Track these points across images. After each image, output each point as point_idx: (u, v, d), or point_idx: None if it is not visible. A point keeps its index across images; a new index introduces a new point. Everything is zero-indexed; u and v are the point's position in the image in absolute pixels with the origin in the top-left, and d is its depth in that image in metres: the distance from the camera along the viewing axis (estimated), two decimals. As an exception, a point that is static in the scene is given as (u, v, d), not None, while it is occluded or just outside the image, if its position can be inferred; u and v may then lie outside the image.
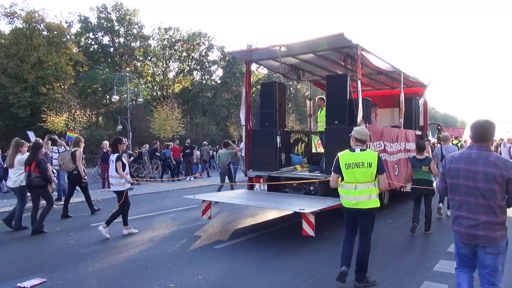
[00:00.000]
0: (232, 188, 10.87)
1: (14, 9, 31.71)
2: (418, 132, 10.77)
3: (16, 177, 7.34)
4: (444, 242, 6.20)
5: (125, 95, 29.61)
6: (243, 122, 9.06)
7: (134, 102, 34.63)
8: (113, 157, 6.90)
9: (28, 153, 7.52)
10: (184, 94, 45.19)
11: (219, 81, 46.75)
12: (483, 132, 3.05)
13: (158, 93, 45.39)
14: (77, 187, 9.16)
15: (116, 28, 41.46)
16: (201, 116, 42.70)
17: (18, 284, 4.50)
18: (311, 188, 7.85)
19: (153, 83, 45.93)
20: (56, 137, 11.73)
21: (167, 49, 45.20)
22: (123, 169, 6.81)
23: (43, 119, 27.23)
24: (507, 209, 3.02)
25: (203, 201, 7.51)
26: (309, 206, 6.31)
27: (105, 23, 40.61)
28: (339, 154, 4.40)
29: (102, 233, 6.70)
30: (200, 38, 45.65)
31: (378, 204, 4.30)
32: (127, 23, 41.59)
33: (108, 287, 4.51)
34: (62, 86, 33.96)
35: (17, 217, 7.40)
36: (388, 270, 4.94)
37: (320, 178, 7.53)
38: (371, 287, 4.35)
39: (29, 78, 30.31)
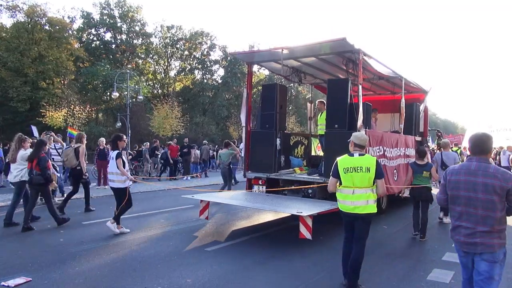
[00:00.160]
0: (229, 189, 10.89)
1: (16, 3, 31.70)
2: (418, 138, 10.78)
3: (17, 172, 7.39)
4: (439, 250, 6.14)
5: (125, 92, 29.55)
6: (243, 123, 9.06)
7: (134, 100, 34.58)
8: (113, 154, 6.88)
9: (30, 149, 7.58)
10: (185, 93, 45.19)
11: (220, 81, 46.76)
12: (481, 145, 3.15)
13: (159, 91, 45.39)
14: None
15: (119, 24, 41.46)
16: (201, 116, 42.70)
17: (2, 283, 4.41)
18: (310, 191, 7.85)
19: (154, 81, 45.92)
20: (52, 133, 11.72)
21: (169, 47, 45.21)
22: (124, 166, 6.79)
23: (42, 114, 27.18)
24: (507, 219, 3.09)
25: (201, 201, 7.50)
26: (307, 209, 6.32)
27: (108, 20, 40.60)
28: (338, 159, 4.42)
29: (121, 231, 6.88)
30: (202, 37, 45.66)
31: (375, 210, 4.31)
32: (129, 20, 41.59)
33: (93, 288, 4.44)
34: (62, 82, 33.90)
35: (9, 212, 7.38)
36: (381, 277, 4.89)
37: (318, 181, 7.53)
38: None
39: (29, 73, 30.25)
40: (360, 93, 7.31)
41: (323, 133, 8.40)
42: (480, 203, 2.99)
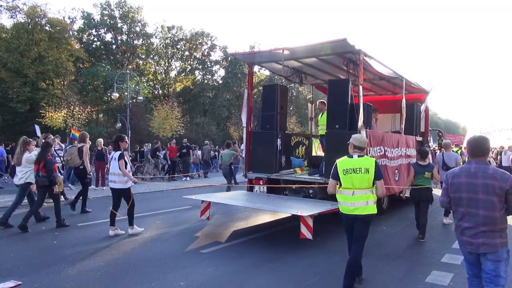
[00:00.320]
0: (228, 189, 10.92)
1: (16, 3, 31.66)
2: (419, 138, 10.80)
3: (22, 174, 7.46)
4: (438, 252, 6.08)
5: (126, 93, 29.57)
6: (244, 124, 9.08)
7: (134, 100, 34.60)
8: (115, 154, 6.88)
9: (35, 151, 7.68)
10: (185, 94, 45.22)
11: (220, 81, 46.79)
12: (479, 148, 3.31)
13: (160, 91, 45.41)
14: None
15: (119, 25, 41.49)
16: (201, 116, 42.71)
17: None
18: (310, 191, 7.86)
19: (155, 82, 45.96)
20: (50, 135, 11.76)
21: (170, 47, 45.25)
22: (125, 167, 6.80)
23: (42, 114, 27.15)
24: (507, 218, 3.22)
25: (202, 201, 7.51)
26: (307, 209, 6.34)
27: (108, 20, 40.63)
28: (337, 160, 4.46)
29: (135, 232, 6.97)
30: (202, 37, 45.70)
31: (375, 211, 4.33)
32: (130, 20, 41.62)
33: (83, 291, 4.38)
34: (62, 82, 33.90)
35: (6, 213, 7.41)
36: (378, 279, 4.82)
37: (319, 182, 7.55)
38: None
39: (29, 73, 30.23)
40: (361, 94, 7.32)
41: (324, 134, 8.43)
42: (481, 204, 3.13)
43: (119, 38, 42.18)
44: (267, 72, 41.71)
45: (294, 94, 48.03)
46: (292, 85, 32.61)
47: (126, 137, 7.32)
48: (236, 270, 5.15)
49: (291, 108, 42.88)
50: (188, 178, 17.39)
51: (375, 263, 5.35)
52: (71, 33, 36.80)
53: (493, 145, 18.03)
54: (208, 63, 47.41)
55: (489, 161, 3.73)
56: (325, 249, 6.22)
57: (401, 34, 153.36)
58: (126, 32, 42.29)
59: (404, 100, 9.66)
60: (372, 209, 4.30)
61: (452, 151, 9.22)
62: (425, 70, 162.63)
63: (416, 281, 4.80)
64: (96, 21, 40.56)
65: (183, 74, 46.67)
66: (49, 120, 27.02)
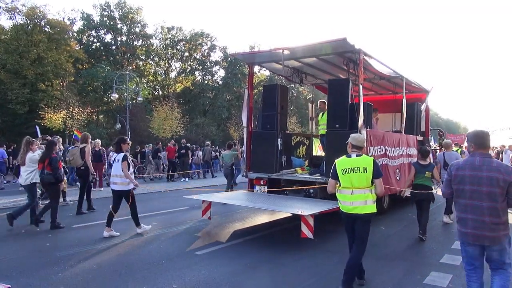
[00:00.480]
0: (227, 189, 10.93)
1: (15, 4, 31.64)
2: (420, 138, 10.80)
3: (27, 174, 7.51)
4: (437, 252, 6.01)
5: (125, 94, 29.57)
6: (245, 124, 9.08)
7: (134, 101, 34.61)
8: (118, 156, 6.88)
9: (38, 150, 7.76)
10: (185, 94, 45.23)
11: (220, 82, 46.80)
12: (483, 140, 3.41)
13: (160, 92, 45.43)
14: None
15: (119, 26, 41.51)
16: (201, 117, 42.72)
17: None
18: (311, 190, 7.87)
19: (155, 83, 45.98)
20: (48, 137, 11.79)
21: (169, 48, 45.28)
22: (128, 169, 6.79)
23: (41, 116, 27.14)
24: (508, 210, 3.36)
25: (203, 201, 7.53)
26: (308, 208, 6.34)
27: (108, 21, 40.66)
28: (336, 160, 4.50)
29: (144, 231, 7.02)
30: (202, 38, 45.72)
31: (374, 210, 4.36)
32: (129, 21, 41.64)
33: (74, 295, 4.31)
34: (61, 83, 33.88)
35: (18, 210, 7.52)
36: (376, 281, 4.74)
37: (320, 181, 7.55)
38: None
39: (28, 74, 30.20)
40: (361, 93, 7.33)
41: (324, 133, 8.44)
42: (484, 196, 3.24)
43: (118, 39, 42.20)
44: (267, 73, 41.76)
45: (295, 94, 48.06)
46: (293, 85, 32.64)
47: (128, 139, 7.32)
48: (231, 272, 5.06)
49: (291, 108, 42.91)
50: (187, 179, 17.31)
51: (374, 264, 5.26)
52: (70, 34, 36.79)
53: (494, 144, 18.04)
54: (208, 64, 47.43)
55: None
56: (324, 249, 6.15)
57: (402, 33, 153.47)
58: (126, 33, 42.31)
59: (404, 100, 9.66)
60: (371, 208, 4.32)
61: (453, 150, 9.23)
62: (425, 70, 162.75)
63: (414, 282, 4.73)
64: (95, 22, 40.60)
65: (183, 74, 46.69)
66: (48, 121, 27.01)
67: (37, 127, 15.65)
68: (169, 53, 45.61)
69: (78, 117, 29.49)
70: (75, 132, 16.11)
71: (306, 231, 5.92)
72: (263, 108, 8.90)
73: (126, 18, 41.32)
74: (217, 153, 21.71)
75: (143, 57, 43.54)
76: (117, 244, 6.39)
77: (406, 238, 7.01)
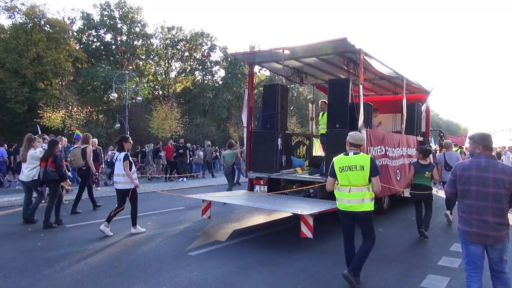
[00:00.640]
0: (230, 189, 10.93)
1: (15, 3, 31.61)
2: (420, 138, 10.79)
3: (29, 171, 7.59)
4: (435, 254, 5.91)
5: (125, 93, 29.54)
6: (245, 124, 9.08)
7: (134, 101, 34.59)
8: (120, 155, 6.87)
9: (40, 148, 7.85)
10: (185, 94, 45.24)
11: (220, 82, 46.81)
12: (489, 143, 3.52)
13: (160, 92, 45.43)
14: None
15: (119, 25, 41.53)
16: (201, 117, 42.71)
17: None
18: (311, 190, 7.87)
19: (155, 82, 45.99)
20: (46, 136, 11.80)
21: (170, 48, 45.29)
22: (130, 168, 6.78)
23: (40, 115, 27.11)
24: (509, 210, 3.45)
25: (203, 200, 7.53)
26: (308, 208, 6.34)
27: (108, 21, 40.67)
28: (334, 158, 4.55)
29: (138, 231, 6.92)
30: (202, 38, 45.76)
31: (371, 208, 4.40)
32: (129, 21, 41.65)
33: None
34: (61, 83, 33.85)
35: (32, 207, 7.63)
36: (372, 283, 4.66)
37: (320, 181, 7.55)
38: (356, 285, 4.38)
39: (28, 74, 30.18)
40: (361, 93, 7.33)
41: (324, 132, 8.44)
42: (490, 197, 3.32)
43: (118, 38, 42.21)
44: (267, 73, 41.77)
45: (295, 94, 48.09)
46: (293, 85, 32.62)
47: (130, 138, 7.31)
48: (225, 273, 4.94)
49: (291, 109, 42.93)
50: (185, 179, 17.24)
51: (370, 266, 5.02)
52: (70, 33, 36.78)
53: (494, 145, 18.01)
54: (208, 64, 47.45)
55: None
56: (319, 251, 6.05)
57: (402, 34, 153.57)
58: (126, 33, 42.32)
59: (404, 100, 9.66)
60: (368, 206, 4.36)
61: (452, 150, 9.22)
62: (426, 71, 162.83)
63: (411, 285, 4.64)
64: (95, 21, 40.60)
65: (183, 74, 46.71)
66: (47, 120, 26.98)
67: (38, 126, 15.67)
68: (169, 53, 45.62)
69: (77, 116, 29.45)
70: (76, 131, 16.11)
71: (306, 231, 5.92)
72: (263, 108, 8.89)
73: (126, 17, 41.33)
74: (217, 153, 21.68)
75: (143, 57, 43.56)
76: (110, 244, 6.29)
77: (404, 239, 6.92)
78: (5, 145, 15.45)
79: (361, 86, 7.39)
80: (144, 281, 4.65)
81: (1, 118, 29.80)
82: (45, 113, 27.24)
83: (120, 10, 41.24)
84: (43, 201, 8.26)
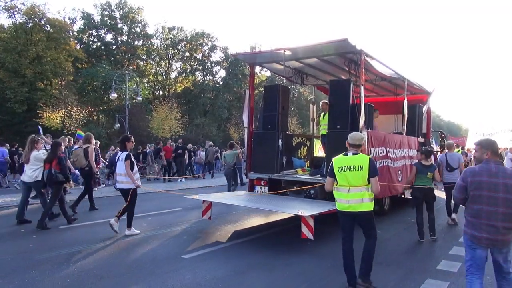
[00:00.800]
0: (234, 189, 10.93)
1: (15, 3, 31.64)
2: (421, 139, 10.78)
3: (32, 172, 7.56)
4: (434, 258, 5.80)
5: (125, 93, 29.54)
6: (245, 124, 9.06)
7: (134, 101, 34.58)
8: (122, 155, 6.86)
9: (43, 149, 7.86)
10: (185, 94, 45.25)
11: (221, 82, 46.82)
12: (497, 148, 3.64)
13: (160, 92, 45.43)
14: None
15: (119, 26, 41.55)
16: (201, 117, 42.70)
17: None
18: (312, 191, 7.84)
19: (155, 83, 45.99)
20: (42, 136, 11.80)
21: (170, 48, 45.30)
22: (132, 168, 6.76)
23: (39, 115, 27.08)
24: None
25: (204, 201, 7.50)
26: (308, 209, 6.31)
27: (109, 21, 40.69)
28: (334, 158, 4.55)
29: (132, 233, 6.82)
30: (203, 38, 45.78)
31: (370, 208, 4.39)
32: (130, 21, 41.68)
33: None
34: (60, 82, 33.85)
35: (43, 215, 7.44)
36: None
37: (320, 182, 7.52)
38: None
39: (27, 73, 30.17)
40: (362, 94, 7.31)
41: (325, 133, 8.43)
42: (500, 202, 3.38)
43: (119, 38, 42.23)
44: (268, 73, 41.78)
45: (295, 95, 48.06)
46: (293, 86, 32.55)
47: (133, 138, 7.28)
48: (217, 277, 4.80)
49: (292, 109, 42.92)
50: (183, 179, 17.18)
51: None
52: (71, 33, 36.78)
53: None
54: (209, 64, 47.47)
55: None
56: (315, 254, 5.93)
57: (403, 34, 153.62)
58: (127, 33, 42.34)
59: (406, 101, 9.65)
60: (368, 206, 4.35)
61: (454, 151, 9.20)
62: (427, 71, 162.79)
63: None
64: (96, 21, 40.63)
65: (184, 75, 46.72)
66: (46, 120, 26.96)
67: (39, 127, 15.68)
68: (170, 53, 45.65)
69: (77, 116, 29.42)
70: (78, 131, 16.12)
71: (306, 232, 5.90)
72: (264, 109, 8.87)
73: (127, 18, 41.36)
74: (218, 154, 21.66)
75: (144, 57, 43.57)
76: (103, 246, 6.15)
77: (404, 242, 6.79)
78: (7, 145, 15.41)
79: (362, 87, 7.38)
80: (135, 285, 4.56)
81: (0, 118, 29.82)
82: (44, 113, 27.24)
83: (121, 10, 41.28)
84: (38, 202, 8.24)
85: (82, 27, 40.31)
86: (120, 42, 42.20)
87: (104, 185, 14.19)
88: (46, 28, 32.70)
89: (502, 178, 3.41)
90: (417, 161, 7.43)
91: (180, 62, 47.36)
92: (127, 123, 28.04)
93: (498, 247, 3.45)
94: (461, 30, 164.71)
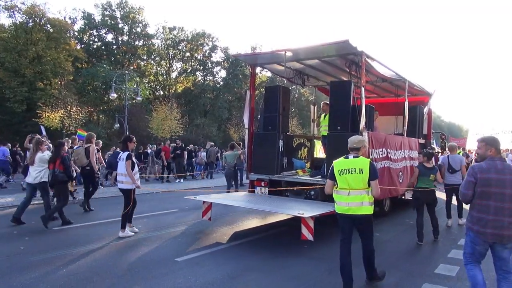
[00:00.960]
0: (236, 190, 10.93)
1: (15, 3, 31.63)
2: (422, 141, 10.77)
3: (37, 173, 7.63)
4: (432, 261, 5.69)
5: (125, 93, 29.51)
6: (246, 125, 9.05)
7: (134, 101, 34.56)
8: (123, 155, 6.87)
9: (47, 151, 7.98)
10: (186, 95, 45.25)
11: (221, 82, 46.82)
12: (500, 146, 3.74)
13: (161, 92, 45.43)
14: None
15: (120, 26, 41.57)
16: (201, 117, 42.68)
17: None
18: (312, 192, 7.83)
19: (156, 83, 45.99)
20: (38, 136, 11.81)
21: (171, 48, 45.30)
22: (132, 169, 6.76)
23: (39, 114, 27.05)
24: None
25: (204, 202, 7.48)
26: (308, 210, 6.30)
27: (109, 21, 40.71)
28: (334, 161, 4.56)
29: (126, 235, 6.77)
30: (204, 38, 45.80)
31: (370, 211, 4.40)
32: (131, 21, 41.70)
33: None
34: (60, 82, 33.82)
35: (45, 214, 7.53)
36: None
37: (320, 183, 7.51)
38: (383, 279, 4.64)
39: (27, 73, 30.15)
40: (363, 95, 7.30)
41: (326, 134, 8.42)
42: (507, 198, 3.49)
43: (120, 38, 42.24)
44: (269, 74, 41.79)
45: (296, 96, 48.06)
46: (294, 87, 32.49)
47: (134, 138, 7.28)
48: (210, 281, 4.69)
49: (292, 110, 42.91)
50: (182, 180, 17.12)
51: (363, 274, 4.74)
52: (71, 33, 36.77)
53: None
54: (209, 64, 47.48)
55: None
56: (311, 257, 5.83)
57: (404, 36, 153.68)
58: (127, 33, 42.36)
59: (406, 103, 9.63)
60: (367, 210, 4.36)
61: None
62: (428, 72, 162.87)
63: None
64: (97, 21, 40.64)
65: (184, 75, 46.73)
66: (45, 120, 26.93)
67: (42, 126, 15.75)
68: (171, 53, 45.66)
69: (76, 116, 29.37)
70: (78, 131, 16.15)
71: (306, 233, 5.88)
72: (264, 110, 8.86)
73: (128, 18, 41.37)
74: (218, 155, 21.66)
75: (145, 57, 43.58)
76: (95, 249, 6.04)
77: (402, 245, 6.70)
78: (9, 144, 15.43)
79: (363, 88, 7.37)
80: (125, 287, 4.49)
81: (0, 118, 29.82)
82: (44, 112, 27.19)
83: (122, 10, 41.30)
84: (33, 203, 8.24)
85: (83, 27, 40.34)
86: (120, 42, 42.21)
87: (102, 186, 14.17)
88: (46, 27, 32.68)
89: (509, 174, 3.51)
90: (418, 163, 7.42)
91: (181, 62, 47.40)
92: (126, 123, 28.00)
93: (504, 243, 3.51)
94: (462, 30, 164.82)
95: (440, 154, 12.78)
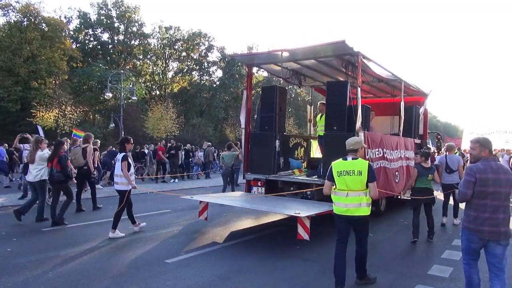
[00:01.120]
0: (232, 190, 10.91)
1: (9, 1, 31.36)
2: (418, 141, 10.81)
3: (36, 172, 7.68)
4: (426, 262, 5.64)
5: (120, 93, 29.40)
6: (243, 125, 9.04)
7: (129, 101, 34.44)
8: (119, 156, 6.86)
9: (47, 149, 8.04)
10: (182, 94, 45.17)
11: (217, 82, 46.77)
12: (492, 147, 3.86)
13: (157, 92, 45.31)
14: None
15: (116, 25, 41.41)
16: (198, 117, 42.61)
17: None
18: (308, 192, 7.84)
19: (152, 82, 45.87)
20: (28, 135, 11.75)
21: (167, 48, 45.19)
22: (128, 169, 6.73)
23: (33, 114, 26.87)
24: None
25: (200, 202, 7.47)
26: (305, 210, 6.29)
27: (105, 20, 40.54)
28: (333, 163, 4.58)
29: (116, 236, 6.70)
30: (200, 38, 45.73)
31: (368, 213, 4.44)
32: (127, 20, 41.56)
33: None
34: (55, 81, 33.63)
35: (39, 209, 7.74)
36: None
37: (317, 183, 7.52)
38: (372, 285, 4.53)
39: (21, 72, 29.94)
40: (359, 95, 7.32)
41: (322, 134, 8.43)
42: (503, 196, 3.64)
43: (115, 38, 42.08)
44: (265, 74, 41.80)
45: (293, 96, 48.13)
46: (291, 87, 32.57)
47: (132, 139, 7.25)
48: (199, 283, 4.61)
49: (289, 110, 42.93)
50: (176, 180, 17.04)
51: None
52: (66, 32, 36.57)
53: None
54: (205, 64, 47.43)
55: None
56: (303, 258, 5.75)
57: (400, 36, 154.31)
58: (123, 32, 42.21)
59: (402, 103, 9.67)
60: (365, 211, 4.41)
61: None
62: (424, 73, 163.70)
63: None
64: (92, 20, 40.47)
65: (180, 74, 46.63)
66: (40, 119, 26.75)
67: (39, 127, 15.69)
68: (167, 52, 45.56)
69: (71, 115, 29.19)
70: (74, 131, 16.07)
71: (302, 233, 5.87)
72: (261, 110, 8.86)
73: (124, 17, 41.23)
74: (215, 155, 21.64)
75: (141, 57, 43.45)
76: (84, 250, 5.90)
77: (395, 245, 6.64)
78: (6, 144, 15.32)
79: (359, 89, 7.40)
80: (114, 290, 4.39)
81: (-6, 117, 29.65)
82: (38, 112, 27.01)
83: (118, 10, 41.15)
84: (36, 202, 8.14)
85: (78, 26, 40.15)
86: (116, 41, 42.05)
87: (101, 186, 14.10)
88: (41, 26, 32.45)
89: (503, 174, 3.65)
90: (415, 163, 7.45)
91: (177, 62, 47.31)
92: (122, 123, 27.89)
93: (499, 240, 3.61)
94: (458, 31, 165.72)
95: (436, 154, 12.84)
